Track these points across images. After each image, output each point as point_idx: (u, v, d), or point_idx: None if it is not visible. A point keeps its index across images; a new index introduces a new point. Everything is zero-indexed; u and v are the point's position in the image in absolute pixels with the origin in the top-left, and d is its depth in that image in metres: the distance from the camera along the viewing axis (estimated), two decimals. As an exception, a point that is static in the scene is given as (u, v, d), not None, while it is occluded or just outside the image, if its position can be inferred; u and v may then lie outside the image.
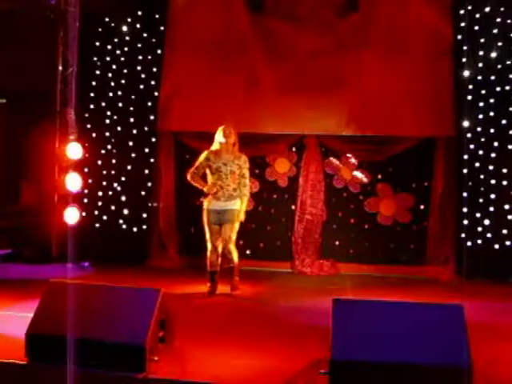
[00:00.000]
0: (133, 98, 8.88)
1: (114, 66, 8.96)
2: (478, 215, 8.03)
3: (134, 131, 8.88)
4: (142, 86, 8.86)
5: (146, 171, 8.82)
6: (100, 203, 8.93)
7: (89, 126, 8.97)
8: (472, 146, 8.07)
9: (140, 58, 8.87)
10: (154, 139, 8.81)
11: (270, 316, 6.07)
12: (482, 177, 8.06)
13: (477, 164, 8.07)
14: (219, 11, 8.58)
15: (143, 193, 8.83)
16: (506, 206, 7.97)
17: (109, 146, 8.94)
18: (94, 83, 9.00)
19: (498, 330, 5.53)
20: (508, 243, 7.95)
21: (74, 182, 8.59)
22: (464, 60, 8.07)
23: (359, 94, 8.20)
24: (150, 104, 8.82)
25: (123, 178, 8.90)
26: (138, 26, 8.92)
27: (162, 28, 8.81)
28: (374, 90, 8.16)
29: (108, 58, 8.96)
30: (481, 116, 8.07)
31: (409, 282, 7.85)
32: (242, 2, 8.50)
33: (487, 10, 8.06)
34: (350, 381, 3.90)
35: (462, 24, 8.07)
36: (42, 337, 4.23)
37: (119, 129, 8.93)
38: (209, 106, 8.42)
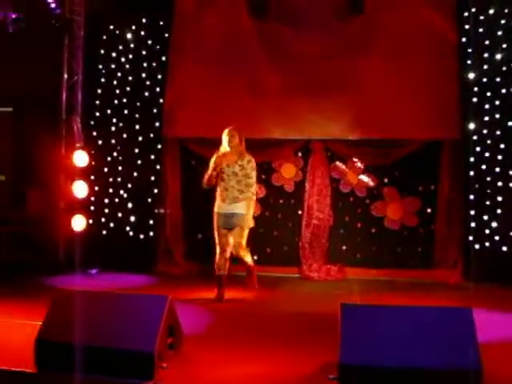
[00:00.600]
0: (138, 105, 8.92)
1: (119, 74, 9.00)
2: (485, 218, 8.01)
3: (140, 138, 8.92)
4: (147, 93, 8.89)
5: (152, 178, 8.85)
6: (107, 210, 8.96)
7: (95, 133, 9.01)
8: (478, 149, 8.06)
9: (145, 65, 8.92)
10: (159, 146, 8.84)
11: (278, 321, 6.05)
12: (488, 179, 8.04)
13: (483, 166, 8.05)
14: (223, 17, 8.60)
15: (149, 199, 8.85)
16: (514, 208, 7.95)
17: (115, 154, 8.97)
18: (99, 91, 9.06)
19: (507, 333, 5.50)
20: (516, 246, 7.92)
21: (80, 190, 8.61)
22: (469, 62, 8.07)
23: (364, 98, 8.20)
24: (155, 111, 8.85)
25: (129, 185, 8.93)
26: (142, 33, 8.97)
27: (166, 35, 8.84)
28: (379, 93, 8.16)
29: (113, 66, 9.01)
30: (486, 118, 8.06)
31: (416, 285, 7.82)
32: (246, 8, 8.52)
33: (491, 12, 8.06)
34: (359, 386, 3.89)
35: (467, 26, 8.07)
36: (50, 344, 4.22)
37: (125, 136, 8.97)
38: (214, 111, 8.44)
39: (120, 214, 8.92)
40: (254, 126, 8.21)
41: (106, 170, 8.99)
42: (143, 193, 8.86)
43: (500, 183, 8.00)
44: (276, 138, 8.49)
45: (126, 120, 8.95)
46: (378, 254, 8.51)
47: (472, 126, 8.06)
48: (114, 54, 9.00)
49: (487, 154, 8.05)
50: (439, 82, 8.09)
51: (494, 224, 7.98)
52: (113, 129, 8.99)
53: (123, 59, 8.99)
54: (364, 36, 8.25)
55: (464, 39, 8.12)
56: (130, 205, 8.90)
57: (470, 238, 8.01)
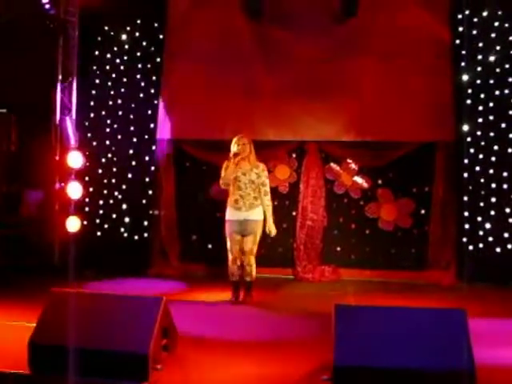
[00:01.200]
0: (133, 107, 8.92)
1: (113, 75, 9.00)
2: (479, 219, 8.05)
3: (134, 139, 8.91)
4: (141, 95, 8.89)
5: (147, 179, 8.84)
6: (101, 212, 8.95)
7: (89, 134, 9.00)
8: (472, 150, 8.10)
9: (139, 66, 8.92)
10: (154, 147, 8.83)
11: (271, 322, 6.06)
12: (482, 181, 8.08)
13: (477, 168, 8.09)
14: (218, 19, 8.60)
15: (144, 201, 8.84)
16: (507, 210, 7.98)
17: (109, 155, 8.97)
18: (93, 92, 9.05)
19: (500, 334, 5.52)
20: (509, 247, 7.95)
21: (74, 191, 8.60)
22: (463, 64, 8.10)
23: (358, 100, 8.23)
24: (149, 112, 8.85)
25: (124, 187, 8.92)
26: (137, 34, 8.97)
27: (161, 36, 8.84)
28: (373, 95, 8.20)
29: (107, 67, 9.01)
30: (480, 120, 8.09)
31: (410, 286, 7.84)
32: (241, 10, 8.52)
33: (485, 14, 8.10)
34: (353, 387, 3.90)
35: (461, 28, 8.12)
36: (44, 347, 4.21)
37: (119, 137, 8.96)
38: (208, 113, 8.45)
39: (114, 216, 8.91)
40: (248, 128, 8.20)
41: (100, 171, 8.98)
42: (138, 194, 8.85)
43: (494, 185, 8.04)
44: (270, 140, 8.49)
45: (121, 121, 8.95)
46: (372, 255, 8.52)
47: (466, 127, 8.09)
48: (108, 55, 9.00)
49: (481, 156, 8.09)
50: (433, 84, 8.12)
51: (488, 225, 8.02)
52: (107, 130, 8.99)
53: (118, 60, 8.99)
54: (358, 38, 8.27)
55: (458, 41, 8.16)
56: (124, 206, 8.90)
57: (464, 239, 8.05)
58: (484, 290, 7.46)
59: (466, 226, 8.05)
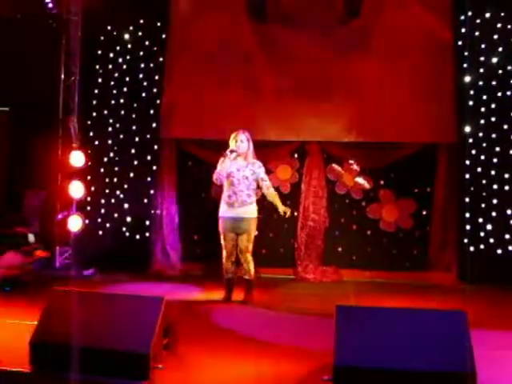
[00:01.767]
0: (135, 106, 8.92)
1: (116, 74, 8.99)
2: (480, 220, 8.05)
3: (137, 139, 8.91)
4: (144, 94, 8.89)
5: (149, 179, 8.84)
6: (103, 211, 8.95)
7: (91, 133, 9.01)
8: (474, 152, 8.09)
9: (142, 65, 8.91)
10: (156, 147, 8.83)
11: (272, 322, 6.07)
12: (484, 182, 8.08)
13: (479, 169, 8.09)
14: (220, 19, 8.59)
15: (146, 200, 8.85)
16: (509, 211, 7.98)
17: (111, 154, 8.97)
18: (96, 91, 9.05)
19: (502, 336, 5.52)
20: (510, 248, 7.96)
21: (76, 190, 8.61)
22: (465, 65, 8.10)
23: (360, 101, 8.23)
24: (152, 112, 8.85)
25: (126, 186, 8.92)
26: (139, 34, 8.96)
27: (163, 36, 8.84)
28: (376, 96, 8.19)
29: (110, 66, 9.00)
30: (482, 121, 8.09)
31: (411, 287, 7.84)
32: (244, 10, 8.53)
33: (487, 15, 8.10)
34: (353, 387, 3.90)
35: (463, 30, 8.12)
36: (46, 345, 4.23)
37: (122, 136, 8.96)
38: (211, 112, 8.45)
39: (116, 215, 8.91)
40: (250, 128, 8.14)
41: (102, 170, 8.98)
42: (140, 193, 8.85)
43: (495, 186, 8.04)
44: (272, 140, 8.50)
45: (123, 121, 8.94)
46: (374, 255, 8.52)
47: (468, 129, 8.09)
48: (111, 55, 8.99)
49: (483, 157, 8.09)
50: (435, 86, 8.11)
51: (489, 227, 8.02)
52: (109, 129, 8.99)
53: (120, 60, 8.99)
54: (360, 39, 8.26)
55: (460, 42, 8.15)
56: (126, 205, 8.90)
57: (465, 240, 8.05)
58: (485, 292, 7.45)
59: (468, 227, 8.05)
